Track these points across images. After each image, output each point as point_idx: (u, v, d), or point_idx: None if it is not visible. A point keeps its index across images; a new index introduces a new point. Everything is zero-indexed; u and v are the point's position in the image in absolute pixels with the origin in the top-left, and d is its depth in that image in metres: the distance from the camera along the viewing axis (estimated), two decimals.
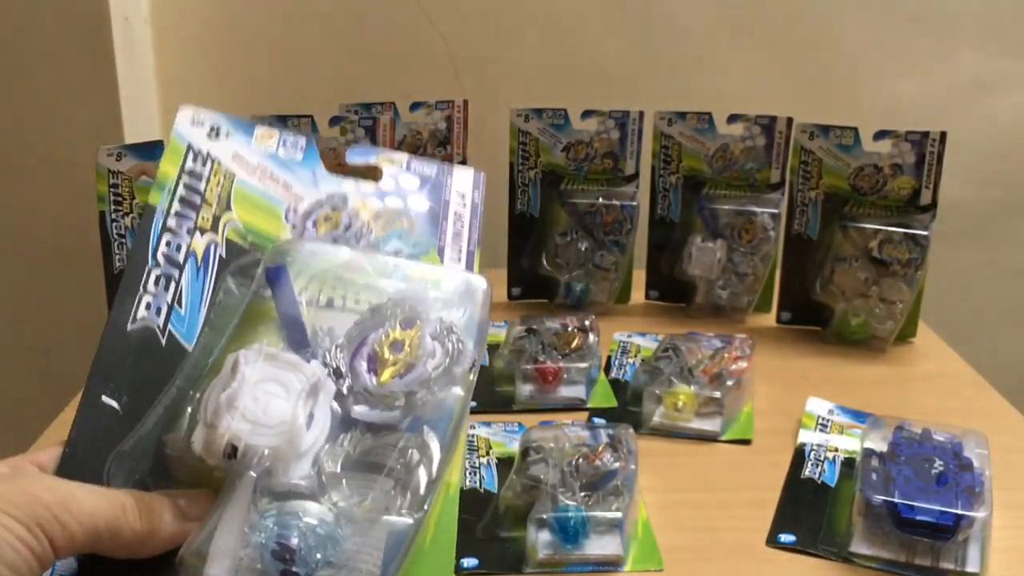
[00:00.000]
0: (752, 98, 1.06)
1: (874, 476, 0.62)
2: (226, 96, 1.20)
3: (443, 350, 0.44)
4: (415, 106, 1.01)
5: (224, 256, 0.48)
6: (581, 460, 0.64)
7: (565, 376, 0.82)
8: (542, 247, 1.04)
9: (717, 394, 0.78)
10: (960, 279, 1.27)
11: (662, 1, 1.19)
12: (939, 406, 0.85)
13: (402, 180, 0.54)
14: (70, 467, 0.43)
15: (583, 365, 0.83)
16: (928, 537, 0.59)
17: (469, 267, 0.53)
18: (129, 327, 0.45)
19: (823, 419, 0.78)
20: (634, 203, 1.02)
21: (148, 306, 0.45)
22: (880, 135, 0.94)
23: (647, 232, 1.06)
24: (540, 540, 0.60)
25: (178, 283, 0.46)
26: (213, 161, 0.50)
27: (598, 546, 0.60)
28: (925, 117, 1.12)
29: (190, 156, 0.49)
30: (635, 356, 0.91)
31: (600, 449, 0.65)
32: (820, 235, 0.98)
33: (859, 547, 0.61)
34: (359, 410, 0.43)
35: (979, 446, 0.66)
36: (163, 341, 0.45)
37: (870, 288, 0.94)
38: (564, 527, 0.60)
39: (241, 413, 0.40)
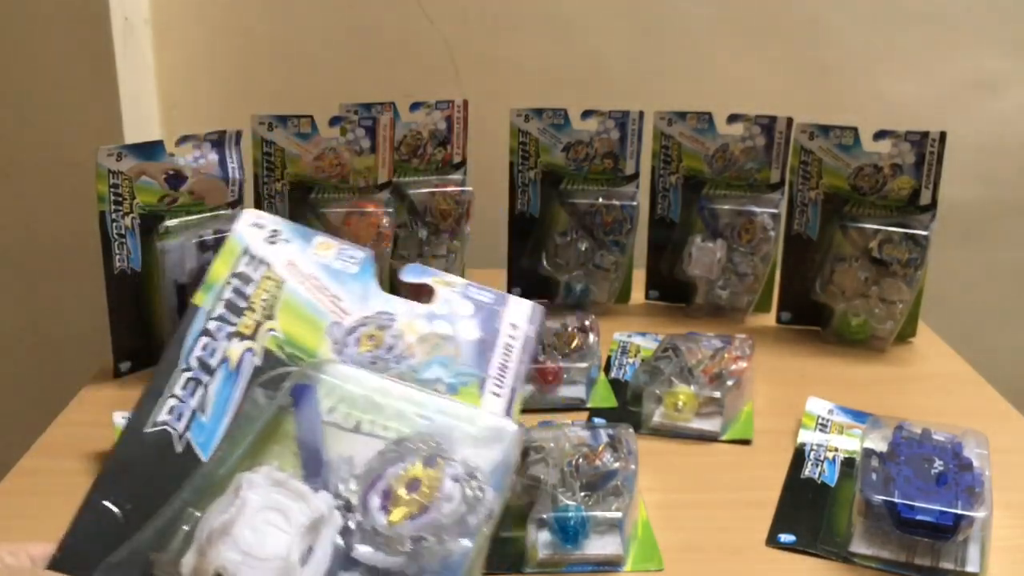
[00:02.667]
0: (752, 98, 1.06)
1: (874, 476, 0.62)
2: (226, 96, 1.20)
3: (460, 496, 0.42)
4: (415, 106, 1.01)
5: (259, 365, 0.47)
6: (581, 460, 0.64)
7: (565, 376, 0.83)
8: (542, 247, 1.04)
9: (717, 394, 0.78)
10: (960, 279, 1.27)
11: (662, 1, 1.19)
12: (939, 406, 0.85)
13: (455, 305, 0.52)
14: (57, 571, 0.41)
15: (583, 365, 0.83)
16: (928, 537, 0.59)
17: (510, 404, 0.50)
18: (147, 430, 0.44)
19: (823, 419, 0.78)
20: (634, 203, 1.02)
21: (171, 410, 0.44)
22: (880, 135, 0.94)
23: (647, 232, 1.06)
24: (540, 540, 0.60)
25: (206, 389, 0.45)
26: (266, 265, 0.49)
27: (598, 546, 0.60)
28: (925, 117, 1.12)
29: (245, 258, 0.49)
30: (635, 356, 0.91)
31: (600, 449, 0.65)
32: (820, 235, 0.98)
33: (859, 547, 0.61)
34: (362, 551, 0.41)
35: (979, 446, 0.66)
36: (179, 448, 0.44)
37: (870, 288, 0.94)
38: (564, 527, 0.60)
39: (235, 541, 0.39)
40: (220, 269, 0.49)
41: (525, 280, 1.06)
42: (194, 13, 1.17)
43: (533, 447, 0.65)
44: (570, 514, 0.60)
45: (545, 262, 1.04)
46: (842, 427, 0.77)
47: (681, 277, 1.03)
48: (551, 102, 1.02)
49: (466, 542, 0.41)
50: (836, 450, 0.74)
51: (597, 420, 0.78)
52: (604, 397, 0.83)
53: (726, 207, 1.01)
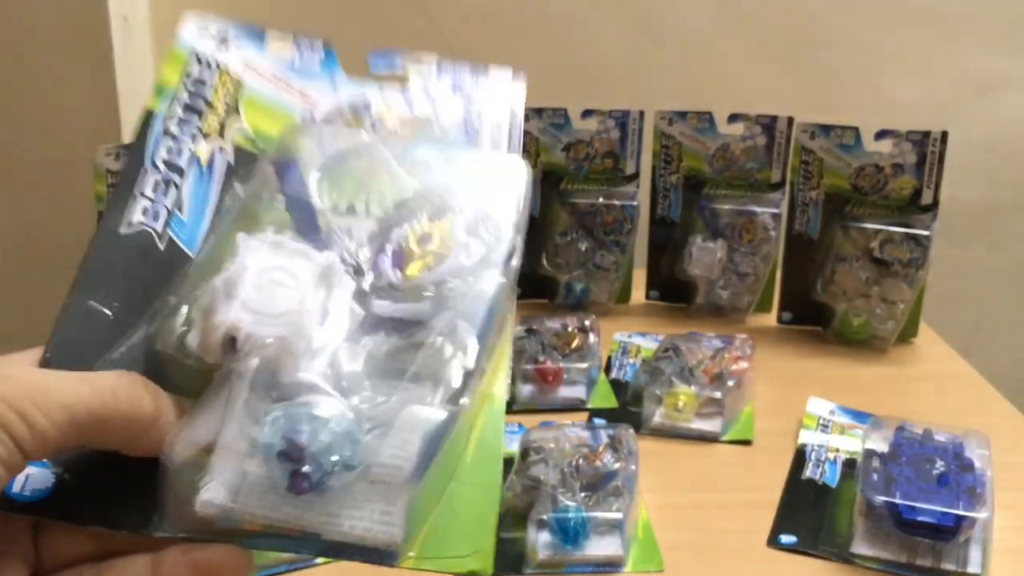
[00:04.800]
0: (753, 97, 1.05)
1: (875, 477, 0.62)
2: None
3: (479, 241, 0.38)
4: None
5: (232, 163, 0.43)
6: (581, 461, 0.63)
7: (565, 376, 0.82)
8: (542, 247, 1.04)
9: (718, 394, 0.77)
10: (961, 279, 1.26)
11: (662, 1, 1.19)
12: (940, 406, 0.84)
13: (431, 86, 0.48)
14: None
15: (583, 365, 0.83)
16: (929, 538, 0.59)
17: None
18: (123, 231, 0.40)
19: (824, 420, 0.78)
20: (634, 203, 1.02)
21: (145, 211, 0.40)
22: (881, 135, 0.94)
23: (647, 232, 1.05)
24: (540, 541, 0.60)
25: (179, 188, 0.41)
26: (220, 67, 0.45)
27: (598, 547, 0.60)
28: (926, 117, 1.12)
29: (194, 63, 0.45)
30: (635, 356, 0.91)
31: (600, 450, 0.64)
32: (821, 235, 0.97)
33: (860, 548, 0.61)
34: (381, 305, 0.37)
35: (980, 447, 0.66)
36: (162, 246, 0.40)
37: (871, 288, 0.94)
38: (564, 528, 0.60)
39: (242, 303, 0.34)
40: (170, 75, 0.44)
41: (525, 280, 1.05)
42: (194, 13, 1.17)
43: (533, 448, 0.65)
44: (570, 515, 0.60)
45: (545, 262, 1.03)
46: (843, 428, 0.77)
47: (681, 277, 1.02)
48: (551, 102, 1.02)
49: (494, 274, 0.37)
50: (837, 451, 0.73)
51: (597, 420, 0.78)
52: (604, 397, 0.83)
53: (727, 207, 1.01)
